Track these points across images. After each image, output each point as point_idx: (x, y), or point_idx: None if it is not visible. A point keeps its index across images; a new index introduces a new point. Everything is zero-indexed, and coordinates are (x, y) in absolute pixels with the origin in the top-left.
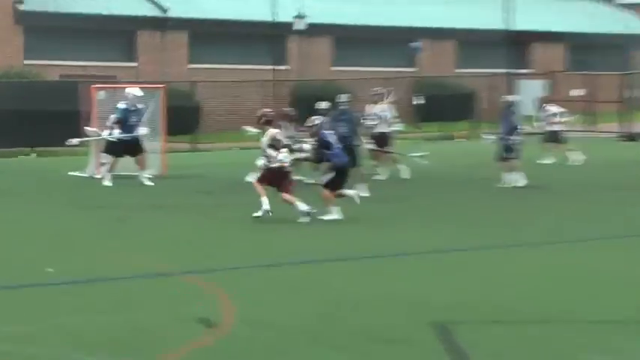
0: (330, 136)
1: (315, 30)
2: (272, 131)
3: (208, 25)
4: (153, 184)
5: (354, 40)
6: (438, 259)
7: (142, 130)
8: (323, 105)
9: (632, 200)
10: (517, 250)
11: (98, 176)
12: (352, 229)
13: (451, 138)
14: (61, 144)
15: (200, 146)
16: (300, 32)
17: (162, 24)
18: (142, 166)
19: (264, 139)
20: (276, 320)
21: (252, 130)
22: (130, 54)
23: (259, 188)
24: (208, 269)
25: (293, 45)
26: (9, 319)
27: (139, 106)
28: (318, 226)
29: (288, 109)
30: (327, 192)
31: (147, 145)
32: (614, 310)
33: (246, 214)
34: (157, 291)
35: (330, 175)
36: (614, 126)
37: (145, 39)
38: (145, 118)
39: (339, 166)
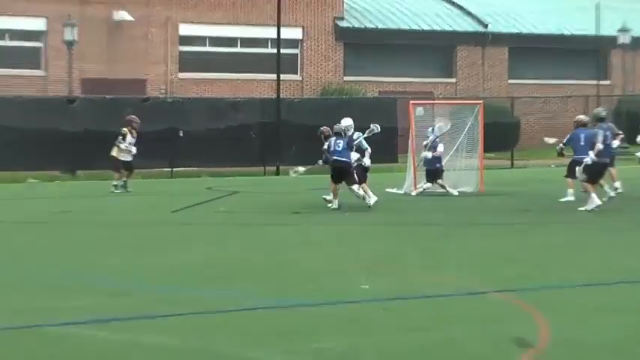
0: None
1: None
2: None
3: (529, 40)
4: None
5: None
6: None
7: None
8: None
9: None
10: None
11: (413, 194)
12: None
13: None
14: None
15: (517, 163)
16: (623, 46)
17: (482, 39)
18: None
19: None
20: (593, 340)
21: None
22: (448, 70)
23: None
24: (524, 288)
25: (616, 59)
26: (320, 334)
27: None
28: None
29: None
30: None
31: (464, 161)
32: None
33: (564, 233)
34: (471, 310)
35: None
36: None
37: (464, 54)
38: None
39: None
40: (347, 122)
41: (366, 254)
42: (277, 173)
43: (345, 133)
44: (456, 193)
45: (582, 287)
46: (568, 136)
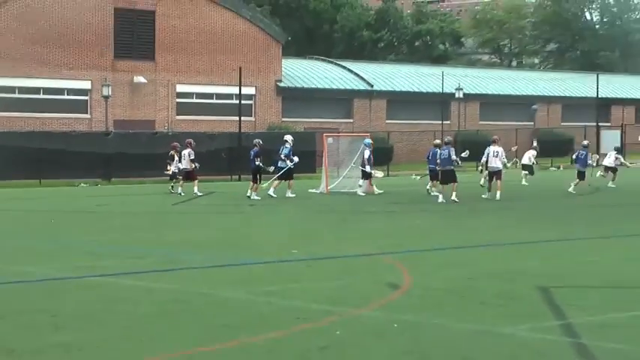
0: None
1: (469, 97)
2: None
3: (400, 95)
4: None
5: (494, 104)
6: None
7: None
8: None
9: None
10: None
11: (325, 192)
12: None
13: (558, 167)
14: (302, 171)
15: (391, 173)
16: (459, 99)
17: (369, 94)
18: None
19: None
20: (438, 285)
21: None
22: (348, 113)
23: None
24: (397, 252)
25: (454, 107)
26: (267, 282)
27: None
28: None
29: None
30: None
31: (357, 172)
32: None
33: (421, 216)
34: (363, 266)
35: None
36: None
37: (358, 104)
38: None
39: None
40: (288, 137)
41: (296, 231)
42: (239, 179)
43: (258, 145)
44: (363, 192)
45: (433, 251)
46: (428, 153)
